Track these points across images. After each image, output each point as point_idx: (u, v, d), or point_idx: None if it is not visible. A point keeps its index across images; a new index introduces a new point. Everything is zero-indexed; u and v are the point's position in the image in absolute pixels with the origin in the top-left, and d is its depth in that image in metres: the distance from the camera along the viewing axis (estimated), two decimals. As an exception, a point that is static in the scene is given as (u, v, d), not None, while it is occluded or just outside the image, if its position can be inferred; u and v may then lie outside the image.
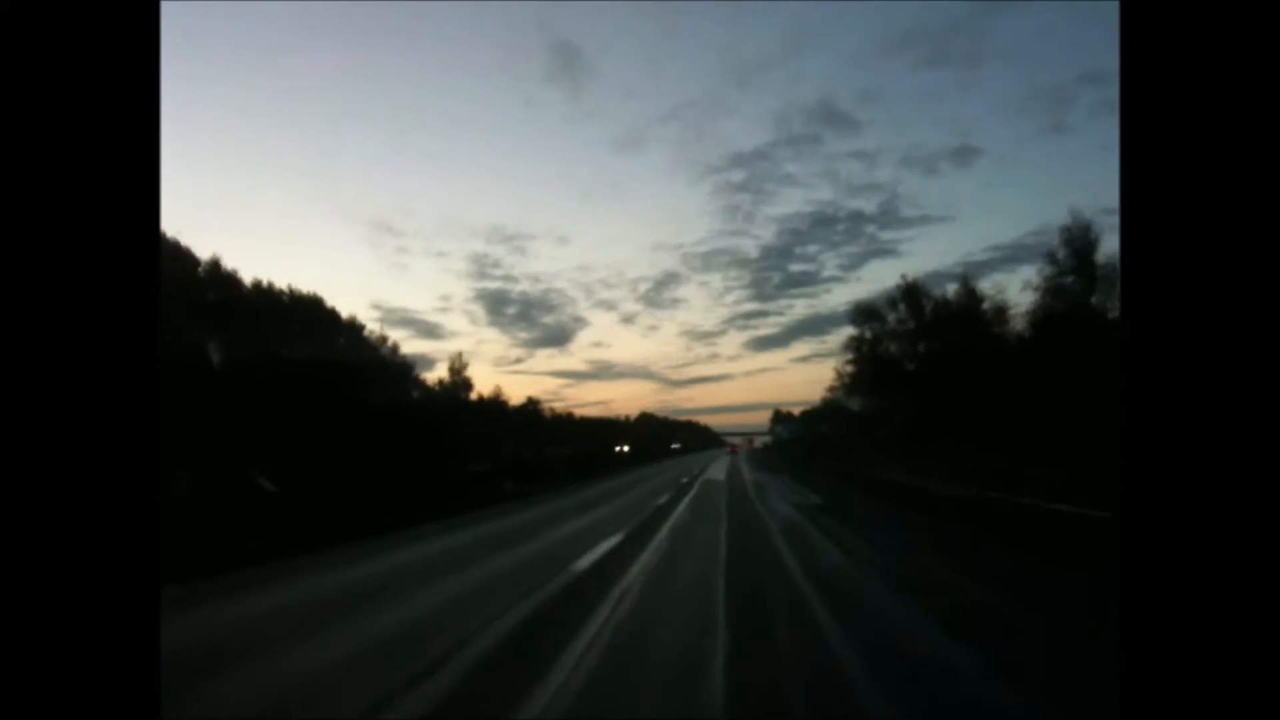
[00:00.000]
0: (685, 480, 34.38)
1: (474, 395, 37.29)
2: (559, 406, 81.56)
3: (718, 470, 45.87)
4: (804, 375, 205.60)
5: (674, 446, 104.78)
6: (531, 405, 50.96)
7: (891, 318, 28.77)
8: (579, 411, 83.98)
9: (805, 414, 78.76)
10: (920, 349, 27.07)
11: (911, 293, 28.04)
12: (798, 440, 70.79)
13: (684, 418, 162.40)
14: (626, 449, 68.52)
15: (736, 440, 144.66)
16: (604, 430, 77.24)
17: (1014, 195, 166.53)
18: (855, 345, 30.81)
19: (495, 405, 41.39)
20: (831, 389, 40.88)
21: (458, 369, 34.89)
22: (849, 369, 32.95)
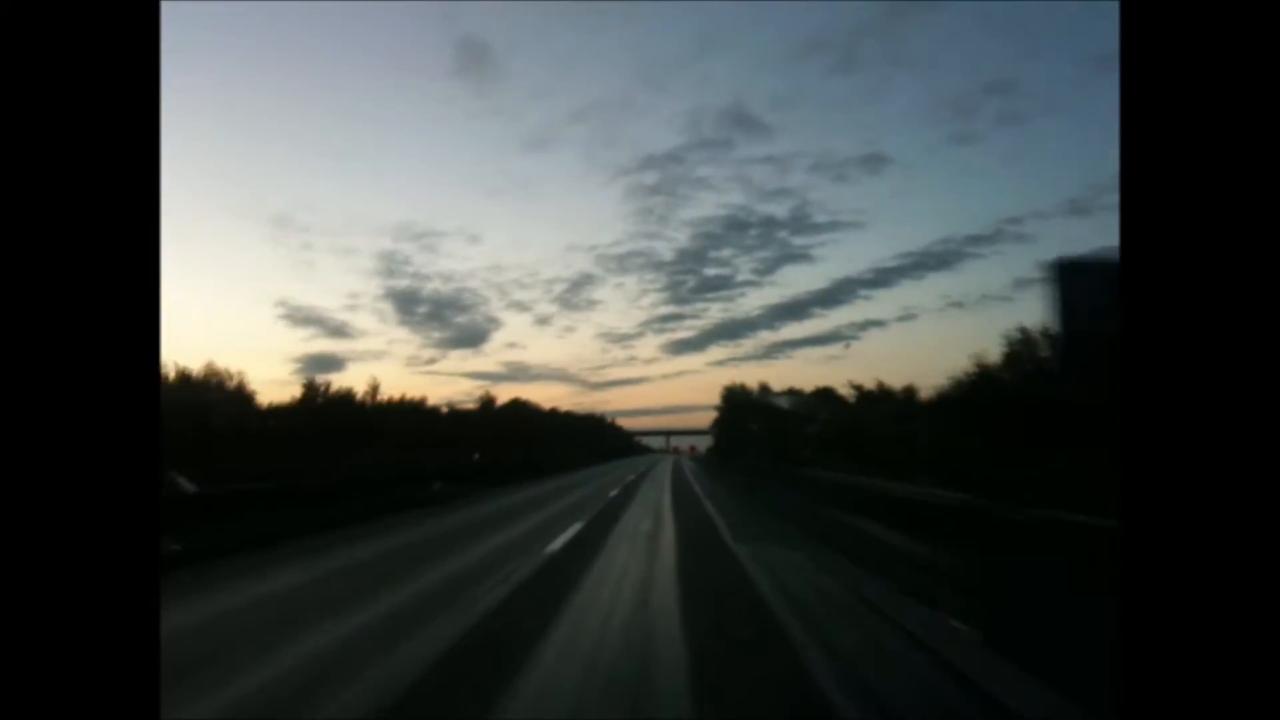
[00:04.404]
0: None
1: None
2: (472, 408, 58.66)
3: None
4: (721, 379, 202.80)
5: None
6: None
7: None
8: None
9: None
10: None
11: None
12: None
13: (608, 418, 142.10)
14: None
15: (661, 442, 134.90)
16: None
17: (922, 203, 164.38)
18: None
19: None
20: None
21: None
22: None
